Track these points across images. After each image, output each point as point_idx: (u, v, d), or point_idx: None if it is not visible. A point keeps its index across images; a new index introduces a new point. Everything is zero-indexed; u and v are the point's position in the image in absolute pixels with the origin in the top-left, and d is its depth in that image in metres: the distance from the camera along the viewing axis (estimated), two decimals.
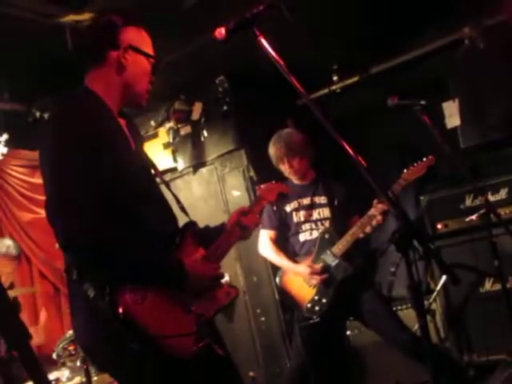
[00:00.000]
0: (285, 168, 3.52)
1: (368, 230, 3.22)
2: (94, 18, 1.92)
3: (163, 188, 2.04)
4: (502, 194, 3.90)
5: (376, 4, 3.92)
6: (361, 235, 3.25)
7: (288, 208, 3.49)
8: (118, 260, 1.64)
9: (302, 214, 3.47)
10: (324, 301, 3.25)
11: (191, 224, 1.97)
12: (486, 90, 4.02)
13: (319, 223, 3.44)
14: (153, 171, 2.00)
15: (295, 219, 3.48)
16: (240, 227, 2.04)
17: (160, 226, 1.84)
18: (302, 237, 3.45)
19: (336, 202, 3.48)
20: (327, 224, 3.43)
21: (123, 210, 1.72)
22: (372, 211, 3.19)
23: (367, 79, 4.78)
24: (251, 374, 4.53)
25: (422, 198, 4.14)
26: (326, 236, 3.37)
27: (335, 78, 4.82)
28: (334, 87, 4.88)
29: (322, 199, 3.49)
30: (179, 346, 1.65)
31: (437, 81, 4.27)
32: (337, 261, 3.27)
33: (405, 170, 3.24)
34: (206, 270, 1.81)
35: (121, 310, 1.57)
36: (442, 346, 3.87)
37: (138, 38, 1.88)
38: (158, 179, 2.01)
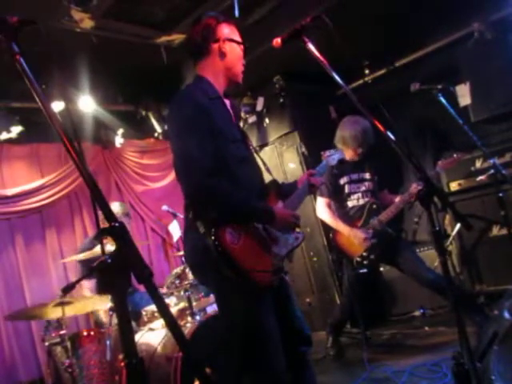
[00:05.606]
0: (351, 151, 3.39)
1: (407, 203, 3.27)
2: (195, 21, 1.92)
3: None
4: (507, 157, 3.69)
5: (399, 9, 3.73)
6: (401, 207, 3.30)
7: (342, 181, 3.46)
8: (222, 206, 1.69)
9: (352, 186, 3.44)
10: (372, 257, 3.25)
11: (274, 181, 2.01)
12: (493, 74, 3.76)
13: (364, 194, 3.42)
14: (246, 140, 1.99)
15: (347, 190, 3.45)
16: (308, 185, 2.05)
17: (252, 181, 1.87)
18: (351, 203, 3.44)
19: (375, 179, 3.45)
20: (370, 195, 3.41)
21: (226, 168, 1.74)
22: (411, 190, 3.19)
23: (393, 71, 4.59)
24: (308, 300, 4.58)
25: (439, 162, 3.97)
26: (374, 206, 3.35)
27: (367, 72, 4.67)
28: (366, 79, 4.73)
29: (367, 175, 3.45)
30: (261, 277, 1.69)
31: (451, 68, 4.02)
32: (383, 226, 3.27)
33: (439, 162, 3.25)
34: (287, 213, 1.85)
35: (220, 248, 1.62)
36: (457, 279, 3.78)
37: (230, 31, 1.91)
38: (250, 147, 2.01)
